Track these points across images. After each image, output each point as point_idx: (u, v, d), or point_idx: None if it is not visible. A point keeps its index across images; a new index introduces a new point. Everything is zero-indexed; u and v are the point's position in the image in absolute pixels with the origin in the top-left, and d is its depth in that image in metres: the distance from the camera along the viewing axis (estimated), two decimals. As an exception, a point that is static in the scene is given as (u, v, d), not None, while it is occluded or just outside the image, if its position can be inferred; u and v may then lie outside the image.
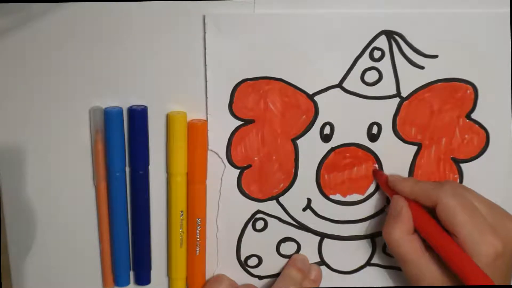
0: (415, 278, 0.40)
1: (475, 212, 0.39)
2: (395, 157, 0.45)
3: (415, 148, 0.45)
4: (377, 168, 0.45)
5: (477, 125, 0.45)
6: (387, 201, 0.46)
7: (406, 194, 0.43)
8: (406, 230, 0.41)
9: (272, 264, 0.47)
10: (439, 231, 0.40)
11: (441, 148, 0.45)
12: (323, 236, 0.47)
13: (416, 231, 0.41)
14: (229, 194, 0.45)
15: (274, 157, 0.44)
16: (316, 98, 0.43)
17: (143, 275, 0.46)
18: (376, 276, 0.48)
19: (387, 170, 0.45)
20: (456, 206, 0.39)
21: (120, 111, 0.42)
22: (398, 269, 0.47)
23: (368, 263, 0.48)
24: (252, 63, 0.42)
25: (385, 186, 0.45)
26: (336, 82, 0.43)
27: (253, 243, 0.46)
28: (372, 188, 0.46)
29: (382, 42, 0.42)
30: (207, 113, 0.43)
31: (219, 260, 0.47)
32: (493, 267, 0.38)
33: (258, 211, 0.46)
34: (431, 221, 0.40)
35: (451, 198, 0.40)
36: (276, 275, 0.47)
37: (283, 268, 0.47)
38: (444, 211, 0.40)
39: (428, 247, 0.41)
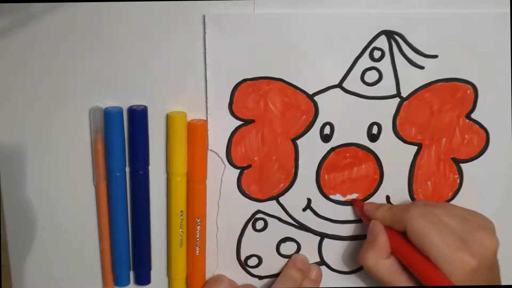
0: None
1: (445, 230, 0.39)
2: (395, 157, 0.45)
3: (415, 148, 0.45)
4: (356, 199, 0.46)
5: (477, 125, 0.45)
6: (387, 201, 0.46)
7: (380, 221, 0.43)
8: (381, 254, 0.41)
9: (272, 264, 0.47)
10: (414, 253, 0.40)
11: (441, 148, 0.45)
12: (323, 236, 0.47)
13: (393, 254, 0.42)
14: (229, 194, 0.45)
15: (274, 157, 0.44)
16: (316, 98, 0.43)
17: (143, 275, 0.46)
18: (376, 276, 0.48)
19: (387, 170, 0.45)
20: (425, 228, 0.39)
21: (120, 111, 0.42)
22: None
23: (368, 263, 0.48)
24: (252, 63, 0.42)
25: (362, 214, 0.45)
26: (336, 82, 0.43)
27: (253, 243, 0.46)
28: (372, 188, 0.46)
29: (382, 42, 0.42)
30: (207, 113, 0.43)
31: (219, 260, 0.47)
32: (470, 282, 0.38)
33: (258, 211, 0.46)
34: (406, 245, 0.41)
35: (419, 220, 0.40)
36: (276, 275, 0.47)
37: (283, 268, 0.47)
38: (413, 234, 0.40)
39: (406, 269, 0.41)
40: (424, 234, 0.39)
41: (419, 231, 0.40)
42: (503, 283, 0.41)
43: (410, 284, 0.40)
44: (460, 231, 0.40)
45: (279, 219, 0.46)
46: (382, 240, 0.42)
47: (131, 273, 0.46)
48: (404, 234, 0.41)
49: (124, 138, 0.43)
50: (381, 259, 0.41)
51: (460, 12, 0.42)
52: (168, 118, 0.43)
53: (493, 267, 0.40)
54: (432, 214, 0.41)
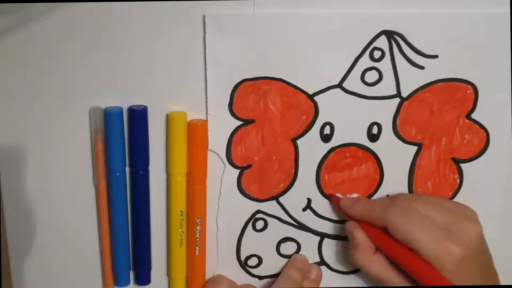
0: None
1: (428, 224, 0.39)
2: (395, 157, 0.45)
3: (415, 148, 0.45)
4: (334, 194, 0.46)
5: (477, 125, 0.45)
6: (387, 201, 0.46)
7: (358, 218, 0.43)
8: (366, 252, 0.42)
9: (272, 264, 0.47)
10: (399, 249, 0.40)
11: (441, 148, 0.45)
12: (323, 236, 0.47)
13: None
14: (229, 194, 0.45)
15: (274, 157, 0.44)
16: (316, 98, 0.43)
17: (143, 275, 0.46)
18: (376, 276, 0.48)
19: (387, 170, 0.45)
20: (406, 225, 0.39)
21: (120, 111, 0.42)
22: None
23: (368, 263, 0.48)
24: (252, 63, 0.42)
25: (339, 210, 0.45)
26: (336, 82, 0.43)
27: (253, 243, 0.46)
28: (372, 188, 0.46)
29: (382, 42, 0.42)
30: (207, 113, 0.43)
31: (219, 260, 0.47)
32: (459, 272, 0.38)
33: (258, 211, 0.46)
34: (389, 239, 0.40)
35: (400, 218, 0.40)
36: (276, 275, 0.47)
37: (283, 268, 0.47)
38: (396, 233, 0.40)
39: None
40: (407, 231, 0.39)
41: (402, 229, 0.39)
42: (504, 283, 0.41)
43: (405, 279, 0.40)
44: (443, 222, 0.40)
45: (279, 219, 0.46)
46: (360, 238, 0.42)
47: (131, 273, 0.46)
48: (385, 230, 0.41)
49: (124, 138, 0.43)
50: (369, 257, 0.42)
51: (460, 12, 0.42)
52: (168, 118, 0.43)
53: (482, 253, 0.40)
54: (413, 210, 0.40)
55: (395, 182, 0.46)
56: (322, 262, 0.48)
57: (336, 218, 0.46)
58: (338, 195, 0.46)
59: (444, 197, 0.45)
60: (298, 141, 0.44)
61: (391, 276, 0.41)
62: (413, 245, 0.39)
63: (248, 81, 0.42)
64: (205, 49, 0.41)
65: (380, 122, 0.44)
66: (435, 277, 0.38)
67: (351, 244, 0.43)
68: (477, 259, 0.39)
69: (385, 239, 0.41)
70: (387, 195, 0.46)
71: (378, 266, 0.41)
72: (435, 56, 0.43)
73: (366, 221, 0.42)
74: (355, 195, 0.46)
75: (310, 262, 0.47)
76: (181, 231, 0.45)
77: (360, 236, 0.42)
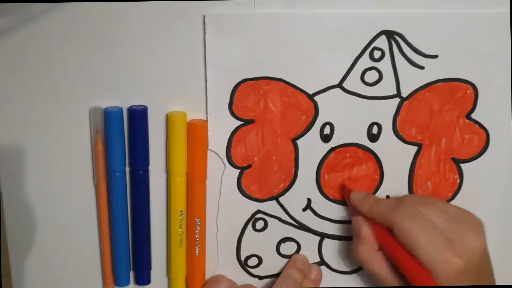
0: None
1: (432, 231, 0.39)
2: (395, 157, 0.45)
3: (415, 148, 0.45)
4: (345, 185, 0.45)
5: (477, 125, 0.45)
6: (387, 201, 0.46)
7: (366, 215, 0.43)
8: (371, 248, 0.41)
9: (272, 264, 0.47)
10: (399, 250, 0.40)
11: (441, 148, 0.45)
12: (323, 236, 0.47)
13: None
14: (229, 194, 0.45)
15: (274, 157, 0.44)
16: (316, 98, 0.43)
17: (143, 275, 0.46)
18: (376, 276, 0.48)
19: (387, 170, 0.45)
20: (411, 228, 0.39)
21: (120, 111, 0.42)
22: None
23: (368, 263, 0.48)
24: (252, 63, 0.42)
25: (348, 201, 0.45)
26: (336, 82, 0.43)
27: (253, 243, 0.46)
28: (372, 188, 0.46)
29: (382, 42, 0.42)
30: (207, 113, 0.43)
31: (219, 260, 0.47)
32: (457, 282, 0.37)
33: (258, 211, 0.46)
34: (392, 240, 0.40)
35: (406, 220, 0.40)
36: (276, 275, 0.47)
37: (283, 268, 0.47)
38: (400, 234, 0.39)
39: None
40: (411, 234, 0.39)
41: (406, 231, 0.39)
42: (505, 283, 0.41)
43: (404, 280, 0.40)
44: (447, 230, 0.39)
45: (279, 219, 0.46)
46: (367, 234, 0.42)
47: (131, 273, 0.46)
48: (391, 231, 0.41)
49: (124, 138, 0.43)
50: (372, 252, 0.41)
51: (460, 12, 0.42)
52: (168, 118, 0.43)
53: (482, 267, 0.40)
54: (419, 213, 0.40)
55: (395, 182, 0.46)
56: (322, 262, 0.48)
57: (336, 218, 0.46)
58: None
59: (453, 204, 0.44)
60: (298, 141, 0.44)
61: (390, 275, 0.41)
62: (414, 249, 0.39)
63: (248, 81, 0.42)
64: (205, 49, 0.41)
65: (380, 122, 0.44)
66: (430, 284, 0.37)
67: (355, 238, 0.43)
68: (476, 272, 0.39)
69: (388, 238, 0.40)
70: (387, 196, 0.46)
71: (380, 263, 0.41)
72: (435, 56, 0.43)
73: (372, 218, 0.42)
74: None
75: (310, 262, 0.47)
76: (181, 231, 0.45)
77: (365, 231, 0.42)
